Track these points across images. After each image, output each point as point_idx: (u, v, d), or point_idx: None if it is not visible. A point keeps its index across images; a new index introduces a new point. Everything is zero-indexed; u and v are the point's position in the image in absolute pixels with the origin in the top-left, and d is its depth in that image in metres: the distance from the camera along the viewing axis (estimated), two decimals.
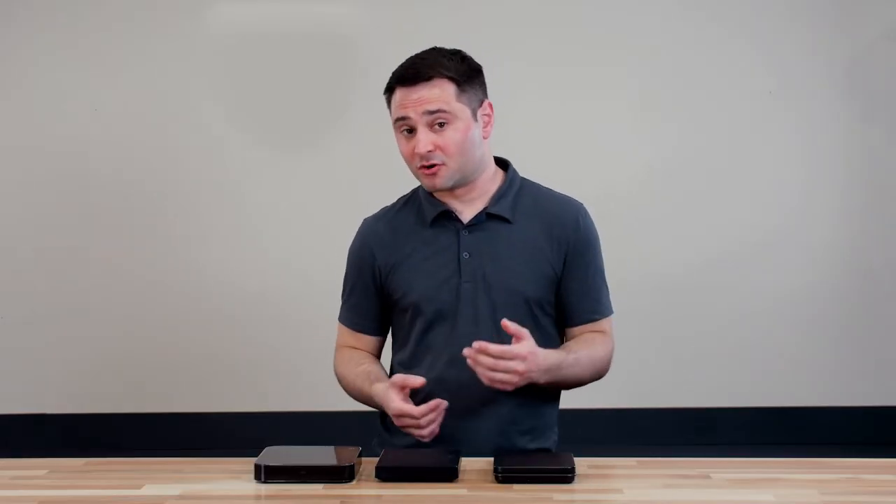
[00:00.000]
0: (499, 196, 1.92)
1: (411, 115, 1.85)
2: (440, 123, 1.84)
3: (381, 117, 3.90)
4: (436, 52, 1.90)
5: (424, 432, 1.75)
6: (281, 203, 3.90)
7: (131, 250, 3.88)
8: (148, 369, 3.89)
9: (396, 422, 1.78)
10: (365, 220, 2.02)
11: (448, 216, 1.92)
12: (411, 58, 1.90)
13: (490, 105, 1.93)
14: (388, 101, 1.91)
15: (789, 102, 3.91)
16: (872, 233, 3.93)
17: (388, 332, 2.03)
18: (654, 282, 3.88)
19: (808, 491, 1.50)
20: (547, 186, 2.00)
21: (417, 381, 1.76)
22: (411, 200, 1.99)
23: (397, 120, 1.88)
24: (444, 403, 1.75)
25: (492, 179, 1.94)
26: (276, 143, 3.89)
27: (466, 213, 1.92)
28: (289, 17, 3.90)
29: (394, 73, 1.90)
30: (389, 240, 1.95)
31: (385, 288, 1.95)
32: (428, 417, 1.74)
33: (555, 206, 1.96)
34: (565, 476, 1.52)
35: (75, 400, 3.88)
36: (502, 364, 1.71)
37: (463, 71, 1.87)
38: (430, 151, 1.84)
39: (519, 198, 1.94)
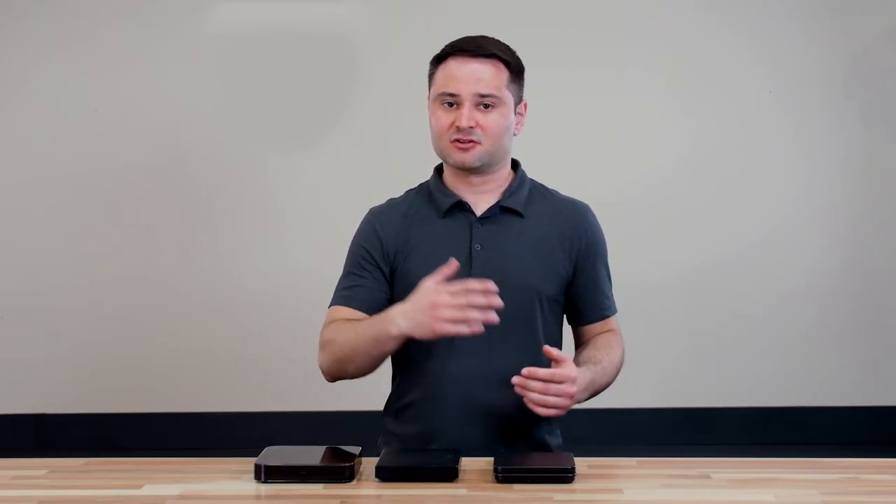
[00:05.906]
0: (511, 191, 1.93)
1: (463, 91, 1.85)
2: (486, 105, 1.86)
3: (380, 117, 3.94)
4: (492, 38, 1.92)
5: (477, 303, 1.65)
6: (280, 202, 3.90)
7: (131, 250, 3.88)
8: (148, 369, 3.89)
9: (433, 312, 1.66)
10: (372, 208, 2.00)
11: (461, 207, 1.92)
12: (469, 36, 1.91)
13: (525, 105, 1.95)
14: (433, 73, 1.91)
15: (789, 102, 3.91)
16: (872, 233, 3.93)
17: None
18: (653, 282, 3.87)
19: (808, 491, 1.50)
20: (551, 188, 2.01)
21: (451, 265, 1.70)
22: (421, 193, 1.98)
23: (443, 93, 1.87)
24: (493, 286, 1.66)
25: (506, 176, 1.96)
26: (277, 143, 3.90)
27: (480, 205, 1.92)
28: (288, 17, 3.90)
29: (450, 45, 1.90)
30: (402, 227, 1.93)
31: (394, 274, 1.91)
32: (475, 286, 1.66)
33: (564, 207, 1.97)
34: (565, 476, 1.52)
35: (75, 400, 3.88)
36: (553, 388, 1.69)
37: (516, 62, 1.91)
38: (471, 127, 1.85)
39: (530, 195, 1.96)
